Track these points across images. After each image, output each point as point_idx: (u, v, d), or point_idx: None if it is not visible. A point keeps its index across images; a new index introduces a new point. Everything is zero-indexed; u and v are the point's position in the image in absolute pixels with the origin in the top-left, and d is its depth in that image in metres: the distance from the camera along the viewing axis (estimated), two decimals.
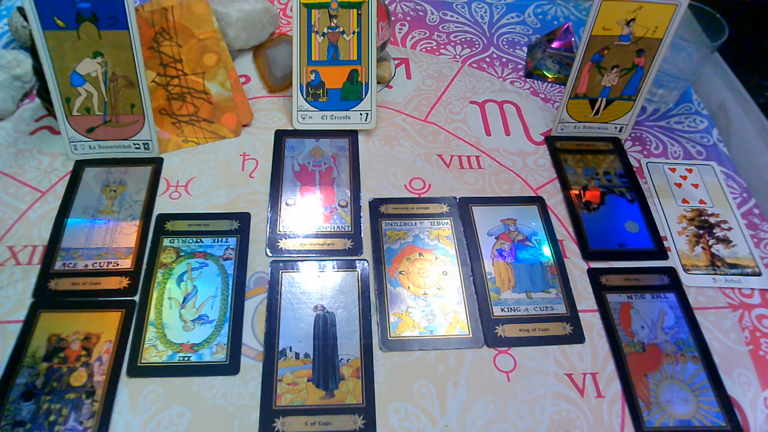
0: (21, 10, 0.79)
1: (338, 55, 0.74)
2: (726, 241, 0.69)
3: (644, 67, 0.73)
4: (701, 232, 0.70)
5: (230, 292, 0.61)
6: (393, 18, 0.95)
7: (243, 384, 0.55)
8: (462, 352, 0.59)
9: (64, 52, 0.65)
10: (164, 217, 0.66)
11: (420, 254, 0.65)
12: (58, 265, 0.61)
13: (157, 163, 0.71)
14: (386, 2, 0.97)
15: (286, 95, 0.80)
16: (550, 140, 0.78)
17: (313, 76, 0.75)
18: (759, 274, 0.66)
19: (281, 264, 0.63)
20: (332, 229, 0.67)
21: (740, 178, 0.77)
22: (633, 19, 0.70)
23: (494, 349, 0.59)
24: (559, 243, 0.67)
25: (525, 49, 0.92)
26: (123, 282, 0.61)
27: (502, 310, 0.61)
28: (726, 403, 0.57)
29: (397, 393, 0.55)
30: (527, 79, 0.88)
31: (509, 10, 0.99)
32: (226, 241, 0.64)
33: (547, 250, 0.66)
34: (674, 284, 0.65)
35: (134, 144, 0.71)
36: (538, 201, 0.71)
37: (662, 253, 0.68)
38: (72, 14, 0.63)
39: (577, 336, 0.60)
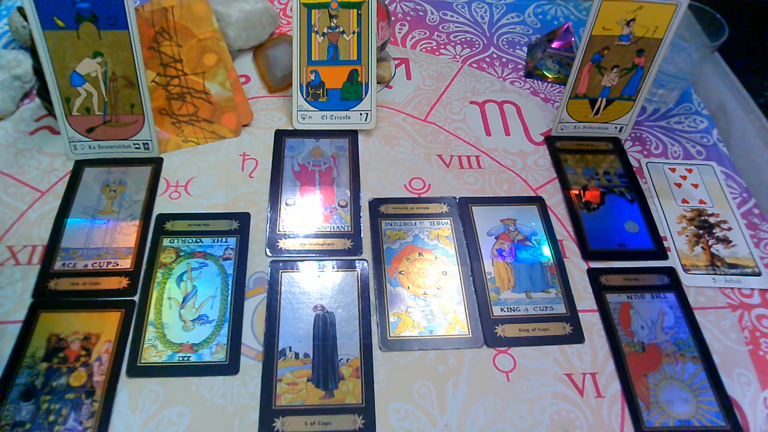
0: (21, 10, 0.79)
1: (338, 55, 0.74)
2: (726, 241, 0.69)
3: (644, 67, 0.73)
4: (701, 232, 0.70)
5: (230, 292, 0.61)
6: (393, 18, 0.95)
7: (243, 384, 0.55)
8: (462, 352, 0.59)
9: (63, 52, 0.65)
10: (164, 217, 0.66)
11: (420, 254, 0.65)
12: (57, 265, 0.61)
13: (157, 163, 0.71)
14: (386, 2, 0.97)
15: (286, 95, 0.80)
16: (550, 140, 0.78)
17: (313, 76, 0.75)
18: (759, 274, 0.66)
19: (281, 264, 0.63)
20: (332, 229, 0.67)
21: (740, 178, 0.77)
22: (633, 19, 0.70)
23: (494, 349, 0.59)
24: (558, 243, 0.67)
25: (525, 49, 0.92)
26: (123, 282, 0.61)
27: (502, 310, 0.61)
28: (726, 403, 0.57)
29: (397, 393, 0.55)
30: (527, 79, 0.88)
31: (509, 10, 0.99)
32: (226, 241, 0.64)
33: (546, 250, 0.66)
34: (674, 284, 0.65)
35: (134, 144, 0.71)
36: (538, 201, 0.71)
37: (662, 253, 0.68)
38: (72, 14, 0.63)
39: (576, 336, 0.60)
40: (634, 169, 0.76)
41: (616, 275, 0.65)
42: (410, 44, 0.91)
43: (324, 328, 0.59)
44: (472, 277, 0.64)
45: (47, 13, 0.63)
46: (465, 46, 0.92)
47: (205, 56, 0.75)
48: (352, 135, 0.76)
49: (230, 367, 0.56)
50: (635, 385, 0.57)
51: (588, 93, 0.76)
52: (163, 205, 0.68)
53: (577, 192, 0.73)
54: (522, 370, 0.58)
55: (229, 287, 0.61)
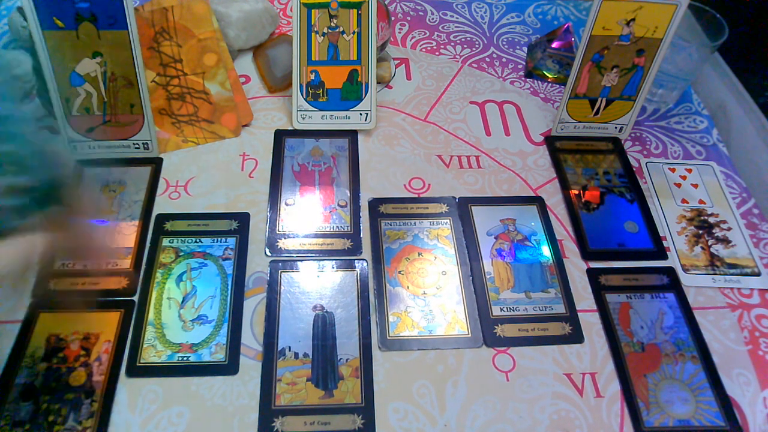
0: (21, 10, 0.79)
1: (338, 55, 0.74)
2: (725, 241, 0.69)
3: (644, 67, 0.73)
4: (700, 232, 0.70)
5: (229, 292, 0.61)
6: (393, 18, 0.95)
7: (242, 384, 0.55)
8: (461, 352, 0.59)
9: (63, 52, 0.65)
10: (163, 217, 0.66)
11: (419, 254, 0.65)
12: (57, 265, 0.61)
13: (156, 163, 0.71)
14: (386, 2, 0.97)
15: (286, 95, 0.80)
16: (550, 140, 0.78)
17: (313, 76, 0.75)
18: (758, 274, 0.66)
19: (280, 264, 0.63)
20: (332, 229, 0.67)
21: (740, 178, 0.77)
22: (633, 19, 0.70)
23: (493, 348, 0.59)
24: (558, 243, 0.67)
25: (525, 49, 0.92)
26: (122, 282, 0.61)
27: (501, 309, 0.61)
28: (725, 403, 0.57)
29: (396, 393, 0.55)
30: (527, 79, 0.88)
31: (509, 10, 0.99)
32: (226, 241, 0.64)
33: (546, 250, 0.66)
34: (673, 284, 0.65)
35: (134, 144, 0.71)
36: (538, 201, 0.71)
37: (661, 253, 0.68)
38: (71, 14, 0.63)
39: (576, 336, 0.60)
40: (634, 169, 0.76)
41: (616, 275, 0.65)
42: (410, 44, 0.91)
43: (323, 328, 0.59)
44: (471, 277, 0.64)
45: (47, 13, 0.63)
46: (465, 46, 0.92)
47: (205, 56, 0.75)
48: (352, 135, 0.76)
49: (230, 367, 0.56)
50: (635, 385, 0.57)
51: (588, 93, 0.76)
52: (162, 205, 0.68)
53: (576, 192, 0.73)
54: (521, 370, 0.58)
55: (229, 287, 0.61)
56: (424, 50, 0.90)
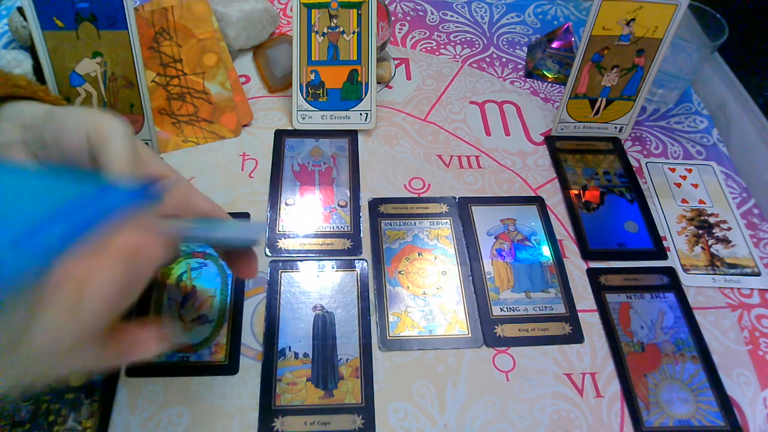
0: (21, 11, 0.79)
1: (338, 55, 0.74)
2: (725, 241, 0.69)
3: (644, 67, 0.73)
4: (701, 232, 0.70)
5: (229, 292, 0.61)
6: (393, 18, 0.95)
7: (242, 384, 0.55)
8: (461, 352, 0.59)
9: (63, 52, 0.65)
10: None
11: (419, 254, 0.65)
12: None
13: None
14: (386, 2, 0.97)
15: (286, 95, 0.80)
16: (550, 140, 0.78)
17: (313, 76, 0.75)
18: (758, 274, 0.66)
19: (280, 264, 0.63)
20: (332, 229, 0.67)
21: (740, 178, 0.77)
22: (633, 19, 0.70)
23: (493, 348, 0.59)
24: (558, 243, 0.67)
25: (525, 49, 0.92)
26: None
27: (501, 309, 0.61)
28: (725, 403, 0.57)
29: (396, 393, 0.55)
30: (527, 79, 0.88)
31: (509, 10, 0.99)
32: None
33: (546, 250, 0.66)
34: (673, 284, 0.65)
35: None
36: (538, 201, 0.71)
37: (661, 253, 0.68)
38: (71, 14, 0.63)
39: (576, 336, 0.60)
40: (634, 169, 0.76)
41: (616, 275, 0.65)
42: (410, 44, 0.91)
43: (323, 328, 0.59)
44: (471, 277, 0.64)
45: (46, 14, 0.63)
46: (465, 46, 0.92)
47: (205, 56, 0.75)
48: (352, 135, 0.76)
49: (230, 367, 0.56)
50: (635, 385, 0.57)
51: (588, 93, 0.76)
52: None
53: (576, 192, 0.73)
54: (521, 370, 0.58)
55: (229, 287, 0.61)
56: (424, 50, 0.90)
